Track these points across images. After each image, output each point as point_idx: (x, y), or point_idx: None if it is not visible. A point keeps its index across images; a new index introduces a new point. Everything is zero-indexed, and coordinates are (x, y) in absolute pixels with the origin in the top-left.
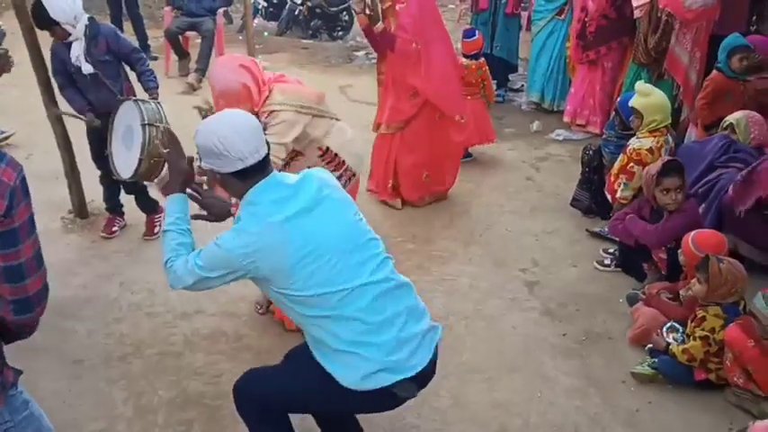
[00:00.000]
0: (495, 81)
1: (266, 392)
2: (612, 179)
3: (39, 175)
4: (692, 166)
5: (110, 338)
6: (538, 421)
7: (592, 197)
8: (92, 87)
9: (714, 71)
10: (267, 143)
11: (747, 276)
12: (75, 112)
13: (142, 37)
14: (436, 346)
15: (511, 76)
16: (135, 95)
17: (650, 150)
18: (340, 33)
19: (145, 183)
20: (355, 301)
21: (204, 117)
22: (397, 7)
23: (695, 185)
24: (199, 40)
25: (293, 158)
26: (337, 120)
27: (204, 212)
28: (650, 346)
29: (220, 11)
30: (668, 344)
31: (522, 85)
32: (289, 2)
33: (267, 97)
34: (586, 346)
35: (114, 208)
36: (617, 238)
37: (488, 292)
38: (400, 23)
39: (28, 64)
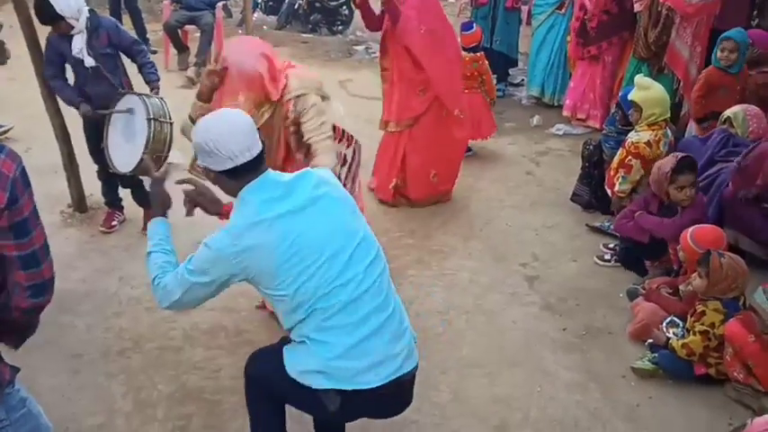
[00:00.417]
0: (496, 75)
1: (254, 371)
2: (612, 173)
3: (37, 168)
4: None
5: (109, 333)
6: (538, 416)
7: (592, 192)
8: (92, 80)
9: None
10: (262, 142)
11: (748, 271)
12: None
13: (141, 31)
14: (408, 378)
15: (511, 71)
16: (132, 89)
17: (648, 144)
18: (340, 28)
19: (141, 177)
20: (330, 299)
21: (194, 84)
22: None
23: None
24: (198, 34)
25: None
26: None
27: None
28: (650, 341)
29: (219, 4)
30: (668, 339)
31: (523, 80)
32: None
33: (285, 85)
34: (587, 341)
35: (113, 202)
36: (626, 236)
37: (488, 287)
38: (409, 4)
39: (26, 57)
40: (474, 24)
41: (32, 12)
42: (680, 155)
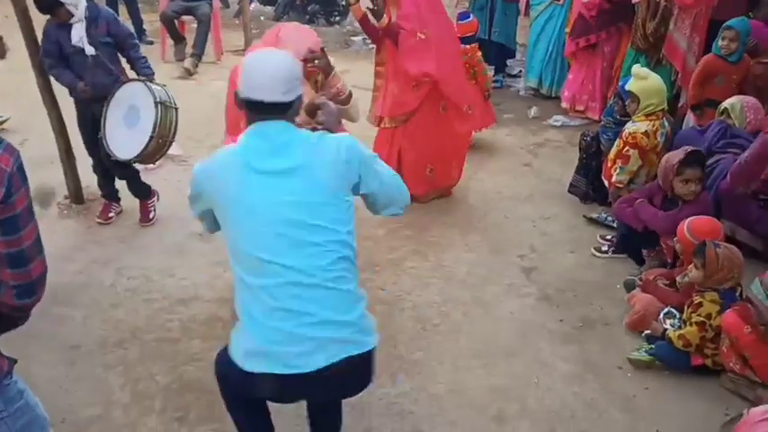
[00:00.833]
0: (493, 67)
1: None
2: (610, 164)
3: (34, 160)
4: None
5: (106, 324)
6: (535, 406)
7: (589, 183)
8: (91, 70)
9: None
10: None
11: (744, 262)
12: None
13: (137, 21)
14: (348, 364)
15: (509, 62)
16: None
17: (646, 134)
18: (337, 18)
19: (136, 167)
20: (270, 276)
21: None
22: None
23: None
24: (195, 25)
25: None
26: None
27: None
28: (647, 332)
29: None
30: (665, 330)
31: (520, 71)
32: None
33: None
34: (584, 332)
35: (110, 194)
36: (622, 221)
37: (486, 279)
38: (403, 13)
39: (22, 48)
40: (471, 14)
41: (28, 2)
42: (690, 148)
